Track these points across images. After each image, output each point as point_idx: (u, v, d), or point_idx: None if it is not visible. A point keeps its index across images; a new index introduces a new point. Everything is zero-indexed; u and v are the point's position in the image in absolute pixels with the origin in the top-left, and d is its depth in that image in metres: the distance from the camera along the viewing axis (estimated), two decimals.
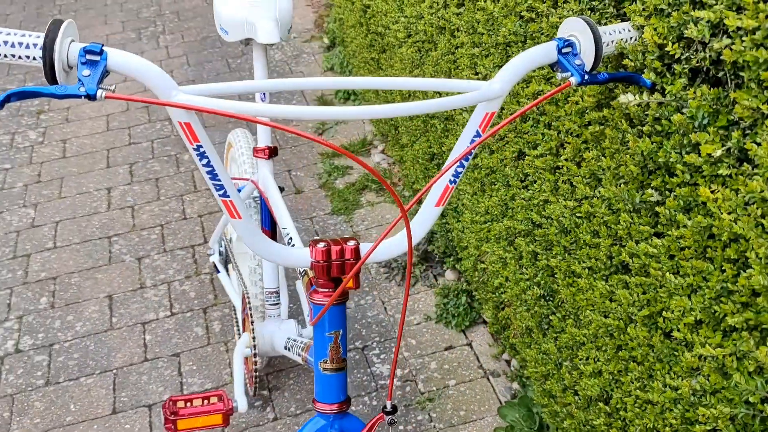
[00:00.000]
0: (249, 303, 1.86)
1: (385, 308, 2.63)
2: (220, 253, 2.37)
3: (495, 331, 2.30)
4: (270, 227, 1.90)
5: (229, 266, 2.35)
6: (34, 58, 1.03)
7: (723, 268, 1.06)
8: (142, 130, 3.79)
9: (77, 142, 3.74)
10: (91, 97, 1.02)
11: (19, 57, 1.03)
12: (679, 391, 1.21)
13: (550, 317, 1.68)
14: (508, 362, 2.37)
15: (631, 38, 1.21)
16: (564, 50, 1.18)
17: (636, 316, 1.31)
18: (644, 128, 1.18)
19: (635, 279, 1.29)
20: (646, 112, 1.18)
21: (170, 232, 3.09)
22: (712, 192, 1.05)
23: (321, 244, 1.22)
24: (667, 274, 1.16)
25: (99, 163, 3.56)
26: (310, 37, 4.51)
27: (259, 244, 1.19)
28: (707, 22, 1.02)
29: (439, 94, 1.17)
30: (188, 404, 1.68)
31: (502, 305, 2.11)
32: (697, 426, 1.18)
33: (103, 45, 1.04)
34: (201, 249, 2.97)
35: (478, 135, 1.19)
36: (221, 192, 1.14)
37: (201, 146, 1.10)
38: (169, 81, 1.07)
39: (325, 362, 1.32)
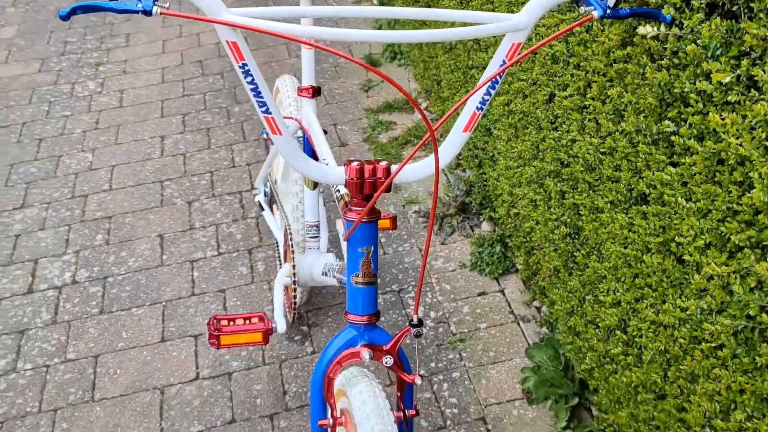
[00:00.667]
0: (291, 236, 1.96)
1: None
2: (265, 194, 2.48)
3: (526, 277, 2.38)
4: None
5: (274, 206, 2.46)
6: None
7: (729, 189, 1.13)
8: (195, 83, 3.92)
9: (134, 92, 3.88)
10: (147, 12, 1.12)
11: None
12: (687, 312, 1.28)
13: (575, 254, 1.75)
14: (539, 309, 2.45)
15: None
16: None
17: (652, 244, 1.38)
18: (663, 62, 1.25)
19: (652, 208, 1.36)
20: (665, 46, 1.25)
21: (219, 178, 3.21)
22: (722, 119, 1.12)
23: (355, 163, 1.32)
24: (680, 199, 1.23)
25: (154, 113, 3.70)
26: None
27: (299, 161, 1.29)
28: None
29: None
30: (231, 323, 1.80)
31: (533, 250, 2.19)
32: (703, 344, 1.26)
33: None
34: (248, 195, 3.09)
35: (504, 64, 1.27)
36: (263, 108, 1.24)
37: (246, 65, 1.20)
38: (219, 2, 1.16)
39: (357, 276, 1.41)
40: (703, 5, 1.17)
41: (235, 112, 3.65)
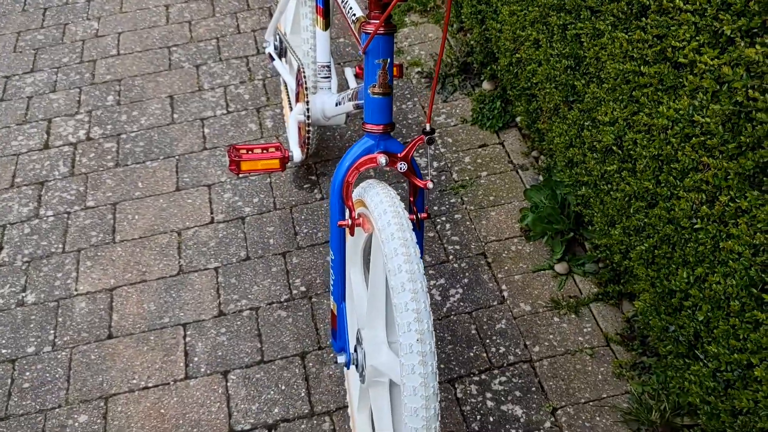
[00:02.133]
0: (304, 76, 2.06)
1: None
2: (275, 47, 2.56)
3: (526, 126, 2.48)
4: (323, 4, 2.07)
5: (283, 59, 2.54)
6: None
7: None
8: None
9: None
10: None
11: None
12: (680, 112, 1.40)
13: (575, 84, 1.85)
14: (536, 159, 2.56)
15: None
16: None
17: (649, 55, 1.48)
18: None
19: (651, 20, 1.46)
20: None
21: (225, 44, 3.28)
22: None
23: None
24: (678, 1, 1.33)
25: None
26: None
27: None
28: None
29: None
30: (249, 151, 1.91)
31: (533, 96, 2.28)
32: (693, 139, 1.37)
33: None
34: (254, 59, 3.16)
35: None
36: None
37: None
38: None
39: (374, 87, 1.52)
40: None
41: None
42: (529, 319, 2.12)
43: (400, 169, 1.53)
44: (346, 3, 1.73)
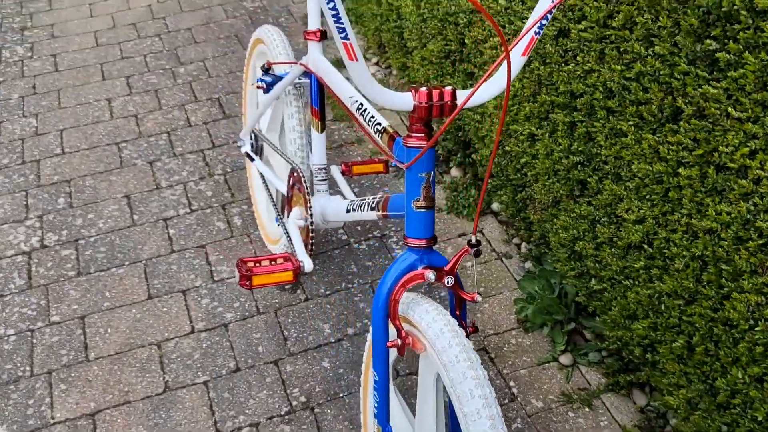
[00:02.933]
0: (303, 178, 1.99)
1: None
2: (252, 146, 2.49)
3: (511, 214, 2.48)
4: (319, 107, 2.02)
5: (264, 154, 2.47)
6: None
7: None
8: (132, 45, 3.82)
9: (68, 57, 3.75)
10: None
11: None
12: (732, 215, 1.41)
13: (587, 180, 1.86)
14: (518, 246, 2.56)
15: None
16: None
17: (687, 158, 1.50)
18: None
19: (688, 124, 1.48)
20: None
21: (177, 138, 3.17)
22: None
23: (423, 88, 1.37)
24: (730, 109, 1.35)
25: (94, 77, 3.59)
26: None
27: (369, 87, 1.33)
28: None
29: None
30: (258, 264, 1.82)
31: (522, 187, 2.29)
32: (750, 242, 1.38)
33: None
34: (211, 153, 3.07)
35: None
36: (343, 34, 1.27)
37: None
38: None
39: (418, 201, 1.47)
40: None
41: (181, 72, 3.59)
42: (544, 416, 2.08)
43: (447, 283, 1.49)
44: (365, 112, 1.68)
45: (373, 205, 1.72)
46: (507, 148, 2.26)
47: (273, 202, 2.32)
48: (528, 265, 2.48)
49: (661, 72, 1.52)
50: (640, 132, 1.63)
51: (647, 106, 1.59)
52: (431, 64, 2.68)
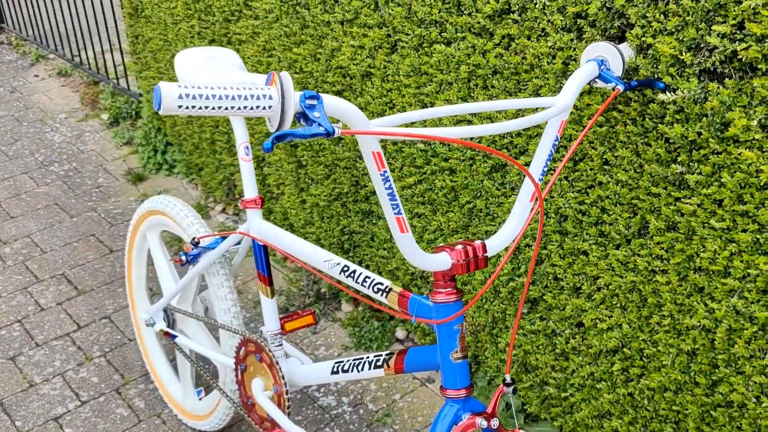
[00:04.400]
0: (265, 345, 1.93)
1: (302, 348, 2.76)
2: (167, 321, 2.36)
3: (429, 341, 2.56)
4: (267, 273, 1.99)
5: (183, 328, 2.35)
6: (270, 107, 1.14)
7: (759, 206, 1.48)
8: None
9: None
10: (330, 134, 1.16)
11: (254, 108, 1.14)
12: (721, 311, 1.60)
13: (540, 297, 2.00)
14: None
15: (630, 55, 1.60)
16: (602, 68, 1.54)
17: (663, 267, 1.69)
18: (665, 119, 1.57)
19: (660, 237, 1.67)
20: (667, 107, 1.57)
21: (33, 325, 2.90)
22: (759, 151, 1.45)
23: (458, 247, 1.43)
24: (713, 221, 1.55)
25: None
26: (84, 116, 4.41)
27: (417, 255, 1.37)
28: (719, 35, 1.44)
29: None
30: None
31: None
32: (745, 332, 1.58)
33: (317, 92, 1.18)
34: (79, 335, 2.85)
35: (557, 139, 1.50)
36: (396, 210, 1.31)
37: (387, 172, 1.28)
38: (365, 118, 1.23)
39: (456, 352, 1.51)
40: (696, 72, 1.51)
41: (8, 252, 3.30)
42: None
43: (493, 425, 1.53)
44: (355, 274, 1.70)
45: (379, 363, 1.72)
46: (431, 277, 2.35)
47: (205, 376, 2.21)
48: None
49: (624, 195, 1.70)
50: (603, 249, 1.81)
51: (611, 226, 1.76)
52: (316, 207, 2.72)
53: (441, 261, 1.43)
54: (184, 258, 2.15)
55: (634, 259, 1.75)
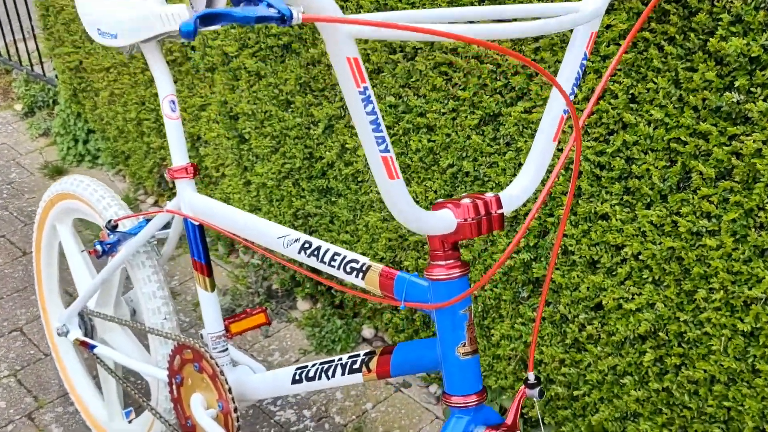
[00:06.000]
0: (206, 352, 1.53)
1: (252, 355, 2.35)
2: (83, 329, 1.92)
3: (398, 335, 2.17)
4: (204, 260, 1.58)
5: (105, 336, 1.92)
6: None
7: None
8: None
9: None
10: (287, 19, 0.76)
11: None
12: None
13: (542, 277, 1.63)
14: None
15: None
16: None
17: (711, 227, 1.33)
18: (717, 33, 1.21)
19: (710, 189, 1.31)
20: (719, 18, 1.21)
21: None
22: None
23: (465, 201, 1.05)
24: None
25: None
26: None
27: (410, 212, 0.98)
28: None
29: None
30: None
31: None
32: None
33: None
34: None
35: (585, 57, 1.13)
36: (383, 147, 0.92)
37: (367, 89, 0.89)
38: (337, 7, 0.84)
39: (464, 345, 1.12)
40: None
41: None
42: None
43: None
44: (320, 252, 1.30)
45: (356, 366, 1.32)
46: (405, 263, 1.97)
47: (132, 392, 1.78)
48: (433, 389, 2.17)
49: (659, 138, 1.34)
50: (629, 210, 1.44)
51: (640, 180, 1.40)
52: (263, 188, 2.31)
53: (442, 220, 1.04)
54: (100, 248, 1.72)
55: (672, 219, 1.39)
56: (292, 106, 2.08)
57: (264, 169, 2.26)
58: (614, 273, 1.52)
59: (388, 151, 0.93)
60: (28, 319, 2.53)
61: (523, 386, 1.16)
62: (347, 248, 2.12)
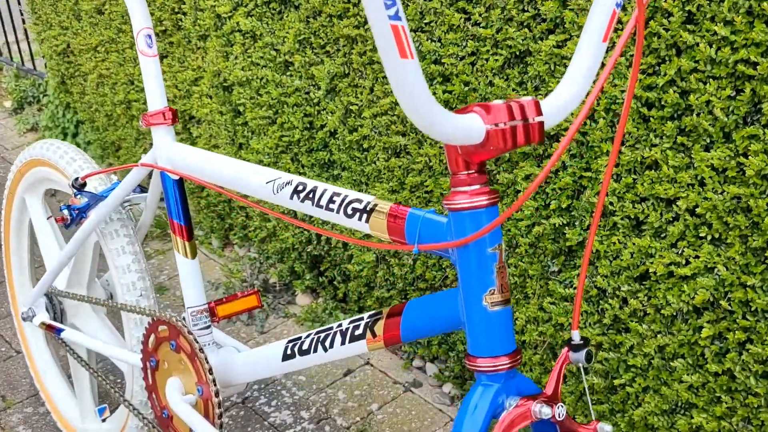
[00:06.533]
0: (184, 328, 1.30)
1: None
2: (53, 310, 1.70)
3: None
4: (185, 221, 1.36)
5: (76, 322, 1.70)
6: None
7: None
8: None
9: None
10: None
11: None
12: None
13: (575, 246, 1.40)
14: (422, 368, 2.01)
15: None
16: None
17: None
18: None
19: None
20: None
21: None
22: None
23: (497, 101, 0.82)
24: None
25: None
26: None
27: (426, 107, 0.76)
28: None
29: None
30: None
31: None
32: None
33: None
34: None
35: None
36: (393, 11, 0.70)
37: None
38: None
39: (493, 293, 0.89)
40: None
41: None
42: None
43: (559, 416, 0.91)
44: (316, 194, 1.08)
45: (358, 332, 1.08)
46: None
47: (104, 383, 1.55)
48: (449, 388, 1.93)
49: (724, 60, 1.12)
50: (685, 153, 1.21)
51: (698, 117, 1.17)
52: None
53: (467, 126, 0.82)
54: (67, 212, 1.50)
55: (737, 162, 1.16)
56: (290, 68, 1.87)
57: (260, 145, 2.05)
58: (664, 234, 1.29)
59: (399, 19, 0.71)
60: (0, 314, 2.31)
61: (565, 349, 0.93)
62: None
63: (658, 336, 1.34)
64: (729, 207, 1.18)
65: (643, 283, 1.35)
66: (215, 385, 1.28)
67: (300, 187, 1.11)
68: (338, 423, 1.87)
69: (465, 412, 0.90)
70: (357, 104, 1.71)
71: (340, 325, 1.12)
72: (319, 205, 1.08)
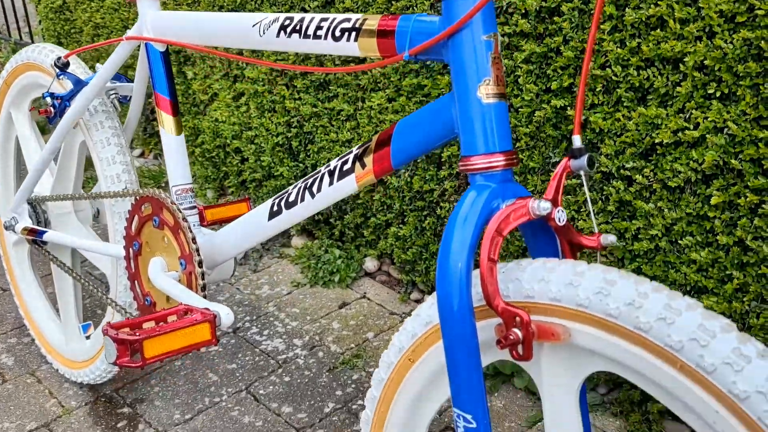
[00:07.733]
0: (167, 199, 1.24)
1: (238, 288, 2.05)
2: (35, 217, 1.64)
3: (400, 266, 1.86)
4: (170, 95, 1.30)
5: (60, 228, 1.64)
6: None
7: None
8: None
9: None
10: None
11: None
12: None
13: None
14: (419, 301, 1.94)
15: None
16: None
17: None
18: None
19: None
20: None
21: None
22: None
23: None
24: None
25: None
26: None
27: None
28: None
29: None
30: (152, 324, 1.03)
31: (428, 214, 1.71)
32: None
33: None
34: None
35: None
36: None
37: None
38: None
39: (488, 84, 0.84)
40: None
41: None
42: None
43: (559, 220, 0.84)
44: (302, 26, 1.03)
45: (347, 167, 1.02)
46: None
47: (88, 286, 1.48)
48: None
49: None
50: (693, 3, 1.16)
51: None
52: (253, 99, 2.04)
53: None
54: (50, 100, 1.45)
55: (748, 5, 1.10)
56: None
57: (254, 74, 2.00)
58: (671, 101, 1.23)
59: None
60: None
61: (565, 157, 0.87)
62: (348, 149, 1.84)
63: (665, 213, 1.28)
64: (739, 54, 1.12)
65: (649, 158, 1.28)
66: (198, 254, 1.21)
67: (287, 22, 1.06)
68: (332, 349, 1.80)
69: (455, 219, 0.83)
70: (353, 9, 1.67)
71: (328, 166, 1.05)
72: (306, 35, 1.03)
